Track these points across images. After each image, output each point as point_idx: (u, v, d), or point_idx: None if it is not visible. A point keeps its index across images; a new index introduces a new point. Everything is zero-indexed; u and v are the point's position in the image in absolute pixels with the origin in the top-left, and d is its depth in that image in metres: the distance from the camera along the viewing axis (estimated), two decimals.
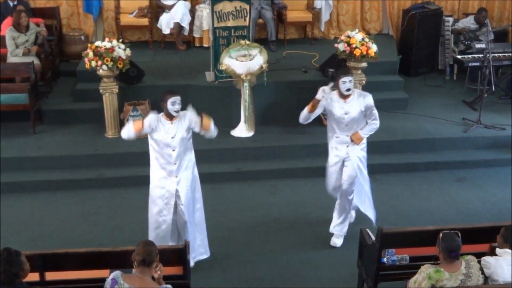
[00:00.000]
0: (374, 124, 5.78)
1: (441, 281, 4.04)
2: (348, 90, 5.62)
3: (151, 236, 5.44)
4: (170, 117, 5.23)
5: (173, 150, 5.22)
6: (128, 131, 5.23)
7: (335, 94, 5.69)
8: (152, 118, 5.23)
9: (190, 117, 5.27)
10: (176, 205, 5.38)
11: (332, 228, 6.09)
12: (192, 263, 5.40)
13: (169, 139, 5.20)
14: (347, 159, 5.85)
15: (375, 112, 5.76)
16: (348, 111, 5.68)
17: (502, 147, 7.86)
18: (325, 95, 5.58)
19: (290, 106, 7.81)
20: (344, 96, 5.67)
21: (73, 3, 9.50)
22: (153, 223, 5.48)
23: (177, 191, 5.32)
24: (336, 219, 6.06)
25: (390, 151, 7.73)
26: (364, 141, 5.92)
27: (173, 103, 5.16)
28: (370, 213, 6.12)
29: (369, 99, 5.72)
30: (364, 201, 6.14)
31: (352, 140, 5.78)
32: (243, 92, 7.58)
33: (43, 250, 4.63)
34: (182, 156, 5.30)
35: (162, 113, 5.28)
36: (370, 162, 7.49)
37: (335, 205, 6.07)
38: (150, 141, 5.31)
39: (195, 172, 5.48)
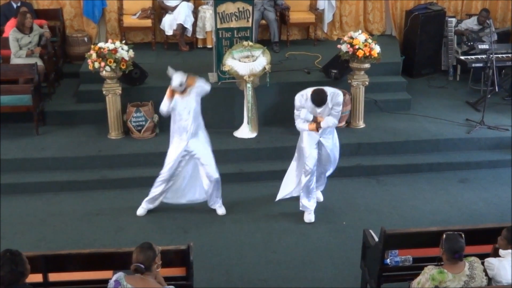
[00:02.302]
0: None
1: (444, 282, 4.03)
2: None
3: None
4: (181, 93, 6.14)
5: (186, 121, 6.14)
6: (164, 102, 6.15)
7: (310, 102, 6.13)
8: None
9: (196, 87, 6.18)
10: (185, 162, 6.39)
11: (309, 205, 6.47)
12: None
13: (185, 113, 6.11)
14: (321, 144, 6.28)
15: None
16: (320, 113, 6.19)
17: (505, 148, 7.83)
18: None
19: (293, 107, 7.78)
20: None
21: (77, 4, 9.52)
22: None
23: (187, 149, 6.27)
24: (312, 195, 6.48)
25: (393, 152, 7.72)
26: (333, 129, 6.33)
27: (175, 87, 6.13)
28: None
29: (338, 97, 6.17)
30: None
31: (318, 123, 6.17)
32: (246, 93, 7.59)
33: (46, 251, 4.64)
34: (194, 124, 6.19)
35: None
36: (372, 163, 7.55)
37: (307, 183, 6.35)
38: (172, 115, 6.24)
39: (204, 134, 6.41)
